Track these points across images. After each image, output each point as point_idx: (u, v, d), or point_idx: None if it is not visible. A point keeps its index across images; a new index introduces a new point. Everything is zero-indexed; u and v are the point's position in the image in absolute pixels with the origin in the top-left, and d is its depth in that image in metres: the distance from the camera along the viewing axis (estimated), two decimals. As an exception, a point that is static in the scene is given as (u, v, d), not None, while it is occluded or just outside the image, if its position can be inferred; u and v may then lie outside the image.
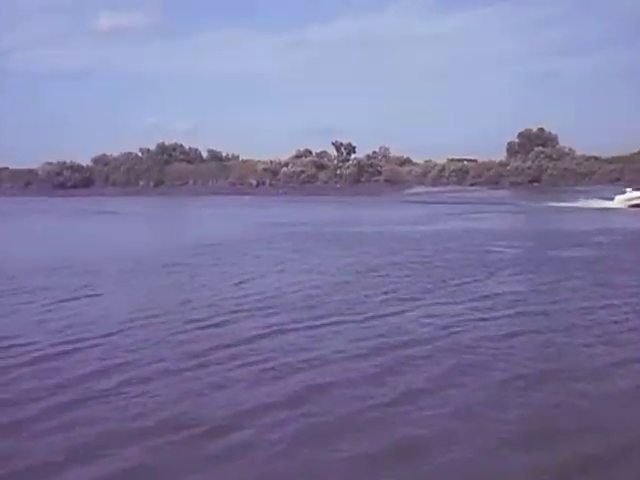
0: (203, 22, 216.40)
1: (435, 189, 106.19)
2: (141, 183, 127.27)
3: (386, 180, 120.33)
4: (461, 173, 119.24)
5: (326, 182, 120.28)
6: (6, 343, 12.62)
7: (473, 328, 13.35)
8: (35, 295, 17.86)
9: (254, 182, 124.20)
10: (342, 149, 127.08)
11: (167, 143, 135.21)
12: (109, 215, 61.07)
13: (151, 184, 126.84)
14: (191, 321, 14.37)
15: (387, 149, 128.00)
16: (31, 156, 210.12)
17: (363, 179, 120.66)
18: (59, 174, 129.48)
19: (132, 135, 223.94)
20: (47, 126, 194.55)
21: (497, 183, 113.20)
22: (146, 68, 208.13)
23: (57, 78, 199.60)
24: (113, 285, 19.78)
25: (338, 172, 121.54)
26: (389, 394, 9.57)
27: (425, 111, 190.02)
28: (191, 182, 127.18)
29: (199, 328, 13.73)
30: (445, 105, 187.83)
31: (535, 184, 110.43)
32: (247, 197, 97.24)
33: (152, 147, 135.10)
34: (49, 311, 15.80)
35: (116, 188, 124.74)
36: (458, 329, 13.26)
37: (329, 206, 71.92)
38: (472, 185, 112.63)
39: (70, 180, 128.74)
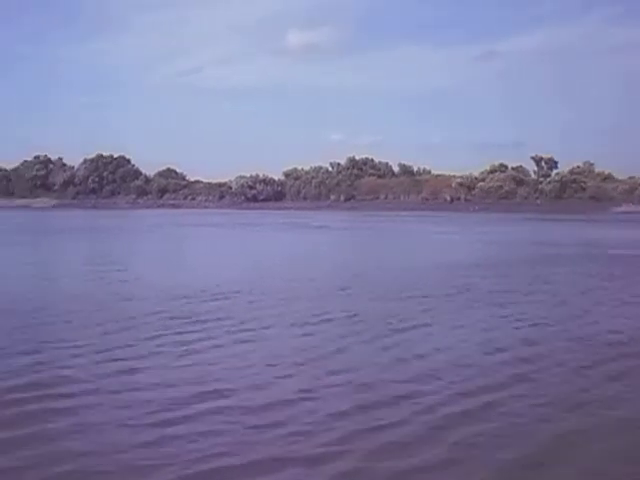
0: (391, 38, 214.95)
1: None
2: (332, 197, 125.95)
3: (591, 197, 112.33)
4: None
5: (525, 198, 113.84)
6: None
7: None
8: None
9: (448, 197, 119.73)
10: (542, 163, 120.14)
11: (357, 157, 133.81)
12: (322, 230, 58.66)
13: (342, 198, 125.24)
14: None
15: (592, 164, 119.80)
16: (223, 170, 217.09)
17: (565, 195, 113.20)
18: (252, 187, 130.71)
19: (320, 149, 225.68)
20: (237, 141, 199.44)
21: None
22: (332, 84, 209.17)
23: (243, 95, 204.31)
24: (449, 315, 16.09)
25: (539, 187, 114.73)
26: None
27: (628, 125, 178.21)
28: (382, 197, 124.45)
29: None
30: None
31: None
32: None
33: (342, 161, 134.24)
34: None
35: (307, 202, 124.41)
36: None
37: (547, 224, 66.35)
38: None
39: (262, 193, 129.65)
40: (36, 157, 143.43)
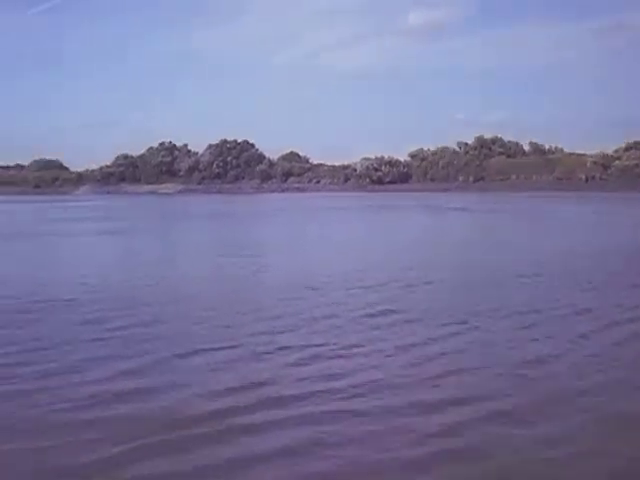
0: (514, 13, 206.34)
1: None
2: (460, 178, 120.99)
3: None
4: None
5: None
6: None
7: None
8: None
9: (583, 177, 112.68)
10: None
11: (485, 136, 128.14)
12: (464, 212, 54.81)
13: (470, 179, 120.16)
14: None
15: None
16: (346, 153, 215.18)
17: None
18: (377, 169, 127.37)
19: (445, 129, 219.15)
20: (361, 123, 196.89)
21: None
22: (456, 62, 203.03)
23: (366, 76, 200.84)
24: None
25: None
26: None
27: None
28: (513, 177, 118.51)
29: None
30: None
31: None
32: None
33: (469, 141, 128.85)
34: None
35: (434, 183, 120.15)
36: None
37: None
38: None
39: (388, 175, 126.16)
40: (161, 144, 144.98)
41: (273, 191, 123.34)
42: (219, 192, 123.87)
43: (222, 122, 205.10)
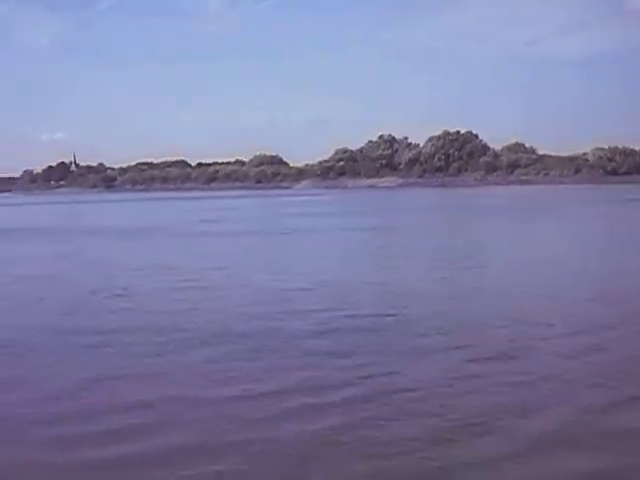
0: None
1: None
2: None
3: None
4: None
5: None
6: None
7: None
8: None
9: None
10: None
11: None
12: None
13: None
14: None
15: None
16: (573, 142, 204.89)
17: None
18: (610, 159, 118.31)
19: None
20: (590, 111, 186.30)
21: None
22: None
23: (587, 62, 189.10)
24: None
25: None
26: None
27: None
28: None
29: None
30: None
31: None
32: None
33: None
34: None
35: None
36: None
37: None
38: None
39: (623, 166, 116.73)
40: (381, 137, 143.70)
41: (497, 184, 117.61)
42: (442, 185, 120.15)
43: (442, 112, 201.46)
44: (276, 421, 7.55)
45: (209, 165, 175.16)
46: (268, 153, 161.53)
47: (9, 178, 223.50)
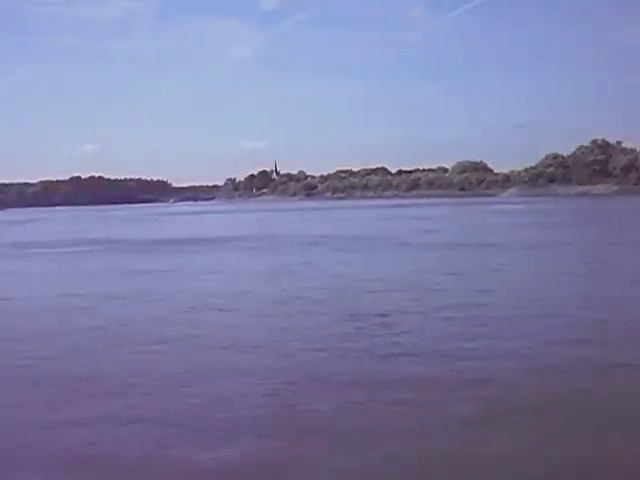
0: None
1: None
2: None
3: None
4: None
5: None
6: None
7: None
8: None
9: None
10: None
11: None
12: None
13: None
14: None
15: None
16: None
17: None
18: None
19: None
20: None
21: None
22: None
23: None
24: None
25: None
26: None
27: None
28: None
29: None
30: None
31: None
32: None
33: None
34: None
35: None
36: None
37: None
38: None
39: None
40: (593, 141, 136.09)
41: None
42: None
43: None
44: None
45: (410, 172, 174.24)
46: (472, 159, 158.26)
47: (213, 186, 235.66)
